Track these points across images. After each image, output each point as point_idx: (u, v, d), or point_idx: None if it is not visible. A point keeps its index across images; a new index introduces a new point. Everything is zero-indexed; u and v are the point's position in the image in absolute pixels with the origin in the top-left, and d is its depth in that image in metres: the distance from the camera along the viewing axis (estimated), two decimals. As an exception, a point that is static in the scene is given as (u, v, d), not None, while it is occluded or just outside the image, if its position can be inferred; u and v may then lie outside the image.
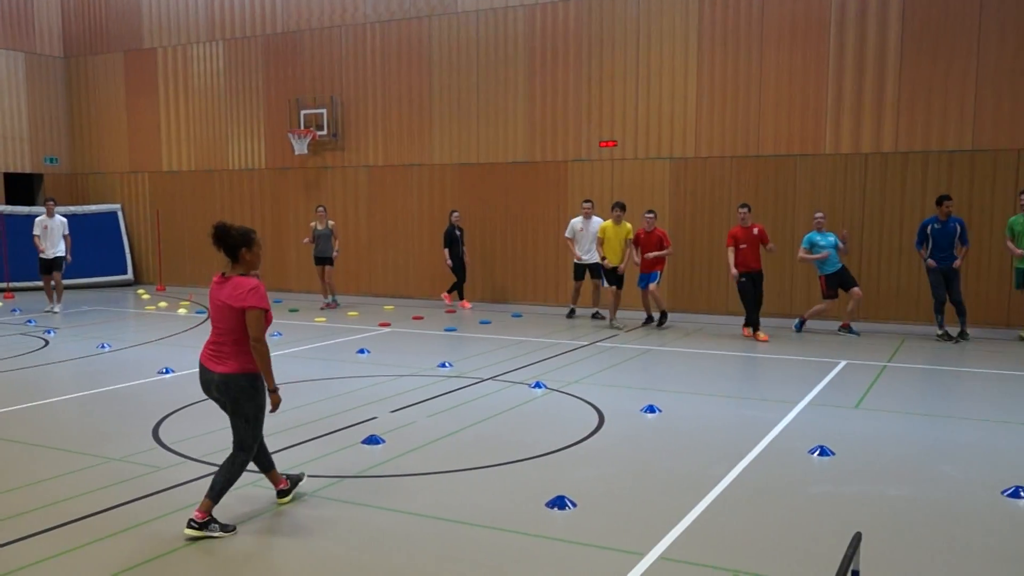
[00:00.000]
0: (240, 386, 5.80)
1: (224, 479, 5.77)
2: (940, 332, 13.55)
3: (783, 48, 15.65)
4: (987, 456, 7.48)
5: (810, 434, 8.06)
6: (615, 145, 17.13)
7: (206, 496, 5.71)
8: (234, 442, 5.89)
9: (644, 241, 14.60)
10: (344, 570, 5.21)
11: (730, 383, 11.10)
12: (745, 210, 14.00)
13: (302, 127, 19.91)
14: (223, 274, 5.86)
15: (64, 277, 19.10)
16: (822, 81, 15.41)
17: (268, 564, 5.36)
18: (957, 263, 13.42)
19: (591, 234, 15.54)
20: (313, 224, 17.48)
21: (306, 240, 17.66)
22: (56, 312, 16.76)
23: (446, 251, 17.37)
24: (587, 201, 15.83)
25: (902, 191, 14.81)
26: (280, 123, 20.44)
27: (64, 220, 17.24)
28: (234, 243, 5.79)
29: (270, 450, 7.22)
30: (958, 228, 13.46)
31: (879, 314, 14.67)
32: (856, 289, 14.01)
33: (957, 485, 6.70)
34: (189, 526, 5.61)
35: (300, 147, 19.87)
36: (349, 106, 19.68)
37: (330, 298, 17.81)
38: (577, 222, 15.79)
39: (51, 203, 17.25)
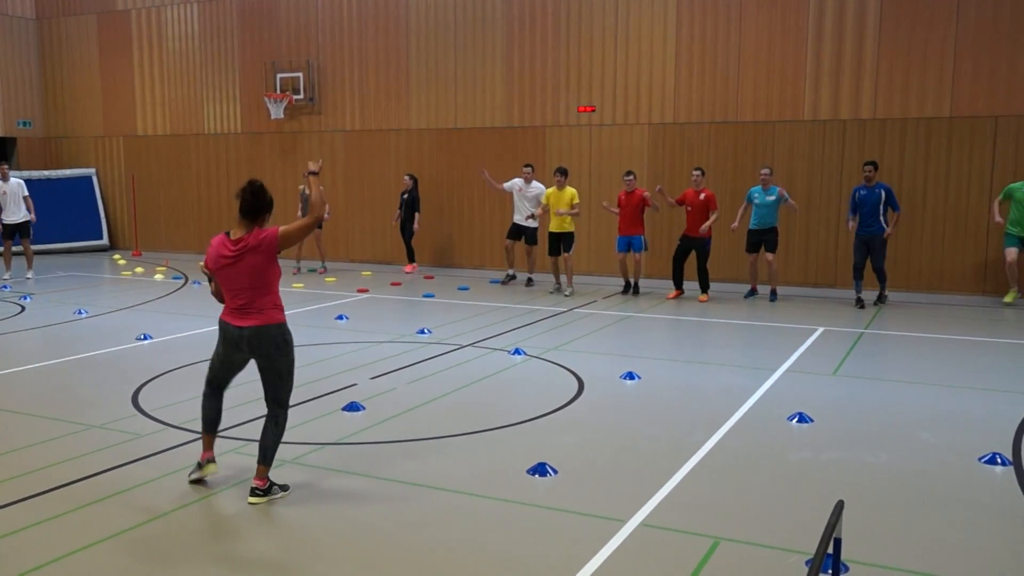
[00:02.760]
0: (271, 337, 5.70)
1: (273, 441, 5.78)
2: (856, 297, 13.82)
3: (762, 13, 15.60)
4: (964, 423, 7.57)
5: (789, 401, 8.13)
6: (593, 110, 17.07)
7: (260, 463, 5.72)
8: (270, 400, 5.82)
9: (625, 203, 14.58)
10: (323, 535, 5.22)
11: (709, 349, 11.17)
12: (698, 173, 14.23)
13: (278, 91, 19.72)
14: (228, 234, 5.70)
15: (39, 242, 18.92)
16: (801, 47, 15.39)
17: (247, 529, 5.36)
18: (888, 232, 13.58)
19: (529, 198, 15.46)
20: (302, 188, 17.36)
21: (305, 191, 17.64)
22: (29, 279, 16.44)
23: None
24: (527, 165, 15.70)
25: (880, 158, 14.82)
26: (256, 87, 20.23)
27: (21, 182, 16.75)
28: (263, 206, 5.68)
29: (251, 417, 7.21)
30: (883, 194, 13.56)
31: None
32: (768, 254, 14.12)
33: (935, 452, 6.78)
34: (253, 494, 5.66)
35: (276, 111, 19.69)
36: (326, 70, 19.50)
37: (320, 264, 17.91)
38: (517, 182, 15.70)
39: (4, 166, 16.72)
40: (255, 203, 5.66)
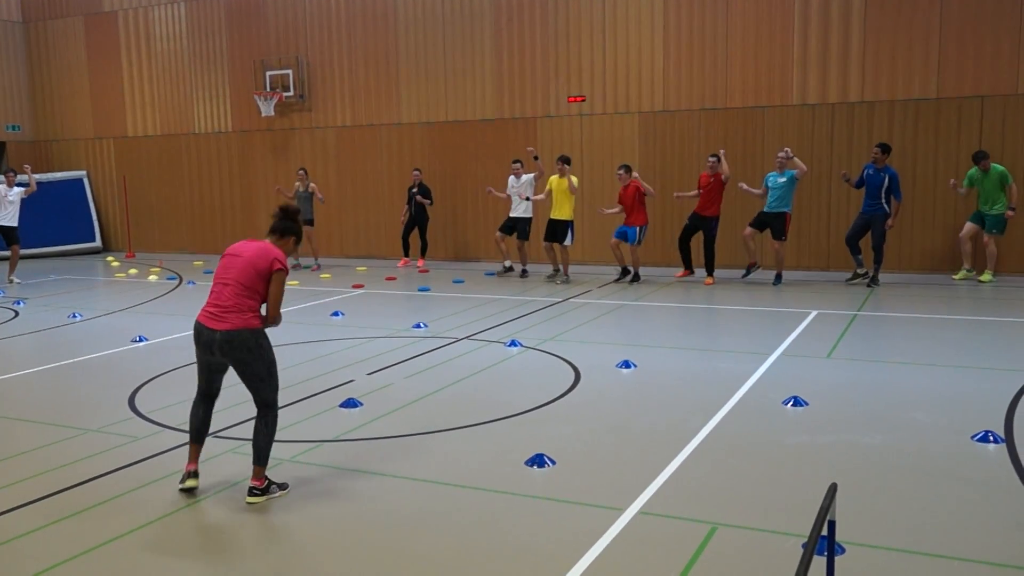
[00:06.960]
0: (243, 341, 5.59)
1: (265, 442, 5.71)
2: (854, 272, 14.23)
3: (749, -1, 15.65)
4: (956, 402, 7.61)
5: (784, 385, 8.16)
6: (583, 100, 17.10)
7: (255, 464, 5.67)
8: (257, 402, 5.77)
9: (622, 196, 14.70)
10: (324, 533, 5.25)
11: (704, 336, 11.21)
12: (714, 159, 14.47)
13: (268, 89, 19.71)
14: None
15: (32, 246, 18.86)
16: (788, 32, 15.42)
17: (247, 528, 5.39)
18: (889, 223, 13.65)
19: (521, 187, 15.72)
20: (296, 185, 17.52)
21: (289, 196, 17.55)
22: (16, 282, 16.34)
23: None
24: (516, 161, 15.92)
25: (868, 141, 14.87)
26: (245, 85, 20.21)
27: (20, 189, 16.79)
28: (295, 229, 5.90)
29: (247, 417, 7.22)
30: (886, 180, 13.55)
31: (849, 264, 14.75)
32: (775, 241, 14.31)
33: (928, 431, 6.83)
34: (251, 494, 5.63)
35: (267, 109, 19.68)
36: (315, 67, 19.48)
37: (313, 261, 17.94)
38: (510, 180, 15.92)
39: (11, 174, 16.71)
40: (288, 223, 5.87)
